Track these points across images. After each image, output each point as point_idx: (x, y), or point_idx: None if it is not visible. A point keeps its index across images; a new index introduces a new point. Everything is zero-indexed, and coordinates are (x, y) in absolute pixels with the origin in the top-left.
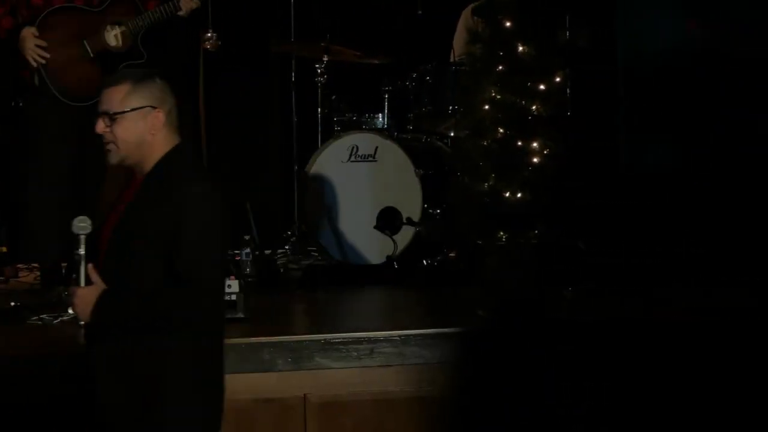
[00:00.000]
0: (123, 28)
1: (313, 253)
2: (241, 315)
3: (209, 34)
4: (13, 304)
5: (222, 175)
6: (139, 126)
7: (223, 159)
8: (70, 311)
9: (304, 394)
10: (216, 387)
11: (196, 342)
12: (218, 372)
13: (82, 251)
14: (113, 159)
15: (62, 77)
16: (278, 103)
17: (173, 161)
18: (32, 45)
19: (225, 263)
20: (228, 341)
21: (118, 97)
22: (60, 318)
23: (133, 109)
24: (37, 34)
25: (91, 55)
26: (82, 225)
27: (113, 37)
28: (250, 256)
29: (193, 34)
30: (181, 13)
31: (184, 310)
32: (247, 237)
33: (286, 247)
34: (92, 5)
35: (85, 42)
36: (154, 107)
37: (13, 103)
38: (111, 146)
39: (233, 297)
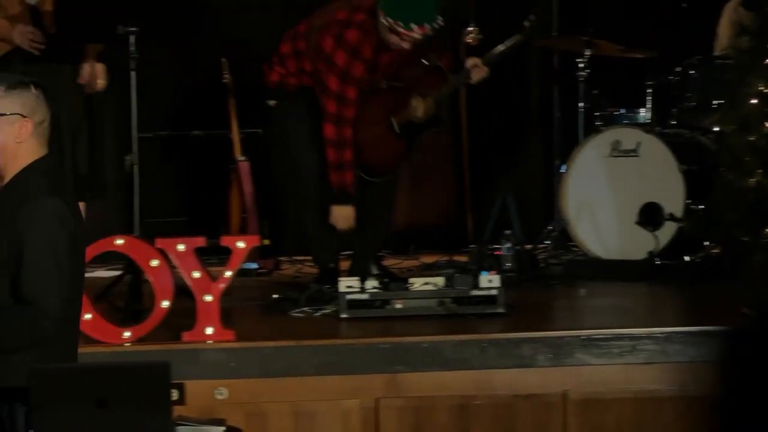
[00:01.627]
0: (429, 99)
1: (573, 249)
2: (501, 310)
3: (470, 28)
4: (275, 296)
5: (483, 168)
6: (5, 132)
7: (484, 153)
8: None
9: (565, 391)
10: None
11: (37, 359)
12: None
13: None
14: None
15: (368, 155)
16: (539, 98)
17: (30, 174)
18: None
19: (72, 283)
20: (488, 336)
21: None
22: (321, 311)
23: (1, 115)
24: None
25: (397, 131)
26: None
27: (418, 108)
28: (511, 250)
29: (452, 29)
30: (471, 82)
31: (24, 330)
32: (508, 232)
33: (547, 241)
34: (404, 81)
35: (393, 119)
36: (23, 116)
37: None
38: None
39: (494, 292)
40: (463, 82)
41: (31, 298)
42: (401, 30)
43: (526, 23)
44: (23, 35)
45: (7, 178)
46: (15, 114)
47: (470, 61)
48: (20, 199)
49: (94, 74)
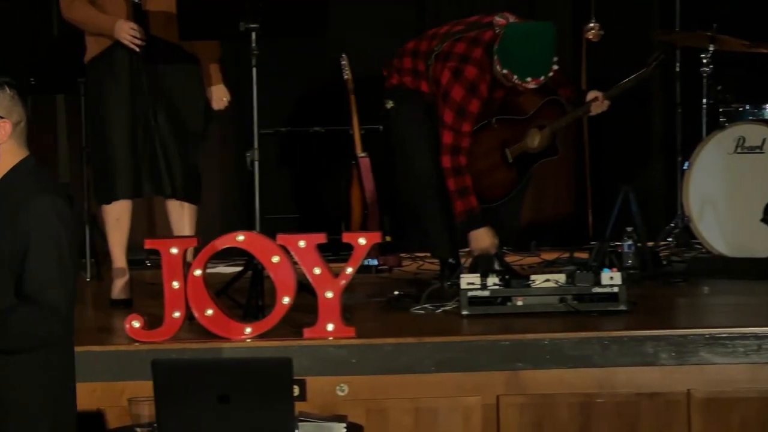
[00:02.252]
0: (546, 131)
1: (696, 246)
2: (623, 307)
3: (591, 24)
4: (396, 293)
5: (604, 164)
6: None
7: (605, 149)
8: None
9: (688, 390)
10: (63, 405)
11: (43, 359)
12: (66, 389)
13: None
14: None
15: (480, 184)
16: (661, 93)
17: (18, 176)
18: None
19: (72, 279)
20: (610, 334)
21: None
22: (442, 308)
23: None
24: None
25: (510, 161)
26: None
27: (534, 140)
28: (633, 248)
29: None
30: (591, 114)
31: (36, 331)
32: (629, 228)
33: (669, 239)
34: (521, 113)
35: (507, 150)
36: (0, 117)
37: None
38: None
39: (615, 289)
40: (582, 114)
41: (36, 297)
42: (516, 81)
43: (652, 59)
44: (124, 30)
45: None
46: None
47: (591, 94)
48: (15, 201)
49: (215, 96)
